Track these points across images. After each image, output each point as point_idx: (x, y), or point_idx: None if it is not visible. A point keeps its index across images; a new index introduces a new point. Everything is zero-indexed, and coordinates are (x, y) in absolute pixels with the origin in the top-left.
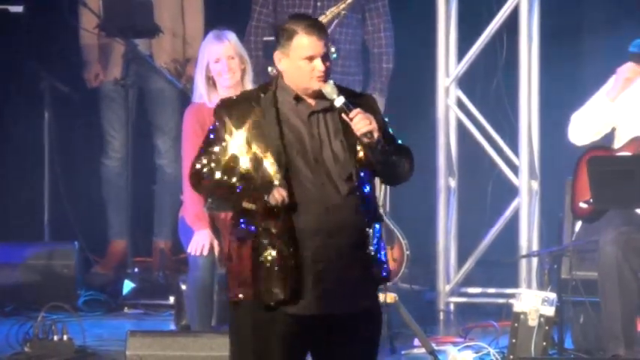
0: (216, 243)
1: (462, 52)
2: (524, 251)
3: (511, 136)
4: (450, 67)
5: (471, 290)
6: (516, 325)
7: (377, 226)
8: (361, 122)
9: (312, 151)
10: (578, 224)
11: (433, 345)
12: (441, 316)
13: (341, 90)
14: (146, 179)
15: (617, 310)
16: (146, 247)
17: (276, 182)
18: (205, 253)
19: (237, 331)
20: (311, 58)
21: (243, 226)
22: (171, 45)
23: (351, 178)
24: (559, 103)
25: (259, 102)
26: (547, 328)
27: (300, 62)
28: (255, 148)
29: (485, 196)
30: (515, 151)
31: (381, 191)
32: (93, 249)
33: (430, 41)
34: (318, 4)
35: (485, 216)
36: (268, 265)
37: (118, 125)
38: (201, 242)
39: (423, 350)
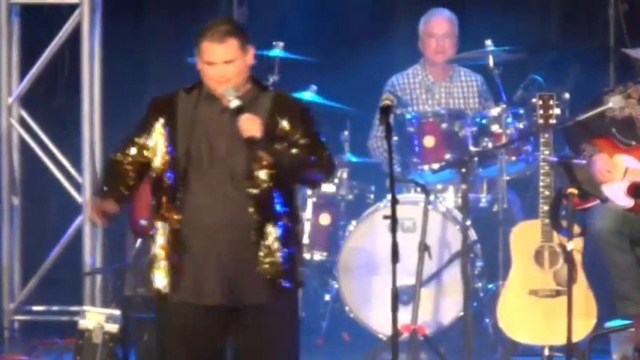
0: None
1: (25, 71)
2: (88, 268)
3: (74, 154)
4: (12, 85)
5: (36, 308)
6: (81, 342)
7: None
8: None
9: None
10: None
11: None
12: (6, 334)
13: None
14: None
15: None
16: None
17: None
18: None
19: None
20: (209, 64)
21: None
22: None
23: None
24: (122, 120)
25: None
26: (111, 345)
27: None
28: None
29: (49, 213)
30: (79, 169)
31: None
32: None
33: None
34: None
35: (49, 234)
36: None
37: None
38: None
39: None
